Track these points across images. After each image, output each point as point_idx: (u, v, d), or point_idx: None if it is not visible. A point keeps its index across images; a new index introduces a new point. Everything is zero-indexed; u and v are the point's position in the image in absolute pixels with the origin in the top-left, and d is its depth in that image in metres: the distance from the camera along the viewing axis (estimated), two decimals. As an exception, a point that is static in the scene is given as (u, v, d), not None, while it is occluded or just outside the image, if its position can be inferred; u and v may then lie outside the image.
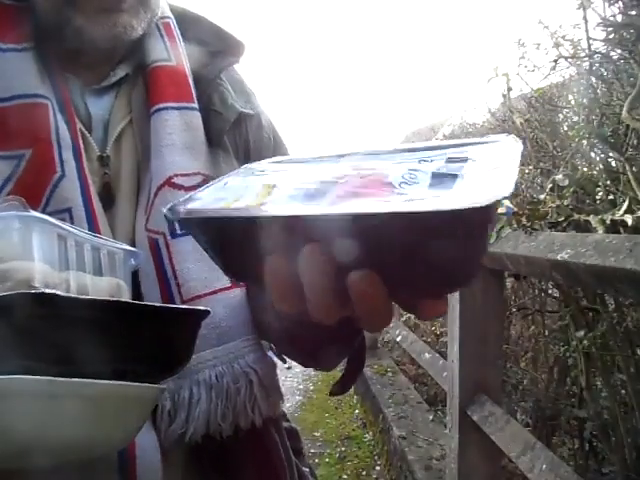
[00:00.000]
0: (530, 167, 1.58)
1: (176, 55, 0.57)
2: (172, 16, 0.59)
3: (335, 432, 3.13)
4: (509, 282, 1.99)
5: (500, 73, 1.73)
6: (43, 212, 0.43)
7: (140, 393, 0.34)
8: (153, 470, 0.46)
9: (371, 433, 3.08)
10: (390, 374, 3.44)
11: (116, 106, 0.55)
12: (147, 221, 0.51)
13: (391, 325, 3.22)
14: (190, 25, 0.61)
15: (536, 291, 1.96)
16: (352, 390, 3.90)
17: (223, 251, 0.29)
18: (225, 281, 0.51)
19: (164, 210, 0.29)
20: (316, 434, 3.05)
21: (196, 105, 0.56)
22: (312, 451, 2.76)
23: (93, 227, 0.48)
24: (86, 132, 0.52)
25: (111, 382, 0.32)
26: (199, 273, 0.50)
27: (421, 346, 2.54)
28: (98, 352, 0.32)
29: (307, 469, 0.62)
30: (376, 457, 2.79)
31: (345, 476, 2.62)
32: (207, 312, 0.38)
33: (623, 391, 1.42)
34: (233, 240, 0.28)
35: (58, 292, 0.32)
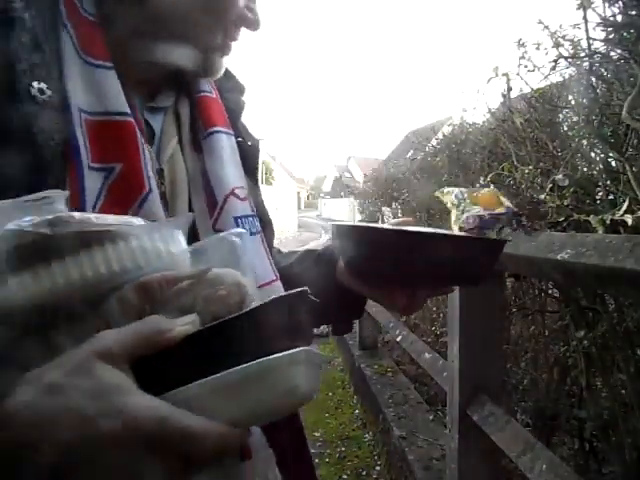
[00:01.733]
0: (530, 167, 1.58)
1: (213, 89, 0.67)
2: None
3: (335, 432, 3.13)
4: (509, 282, 1.99)
5: (500, 73, 1.73)
6: None
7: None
8: (262, 445, 0.55)
9: (371, 433, 3.09)
10: (390, 374, 3.44)
11: (166, 124, 0.62)
12: (215, 222, 0.61)
13: (391, 325, 3.22)
14: None
15: (536, 291, 1.96)
16: (352, 390, 3.90)
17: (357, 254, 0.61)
18: (272, 275, 0.64)
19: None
20: (316, 434, 3.05)
21: (233, 133, 0.67)
22: (312, 451, 2.75)
23: None
24: (148, 146, 0.57)
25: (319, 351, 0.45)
26: (258, 267, 0.62)
27: (421, 346, 2.54)
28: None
29: None
30: (376, 457, 2.79)
31: (345, 476, 2.62)
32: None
33: (623, 391, 1.42)
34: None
35: (306, 288, 0.45)
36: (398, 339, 2.91)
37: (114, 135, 0.52)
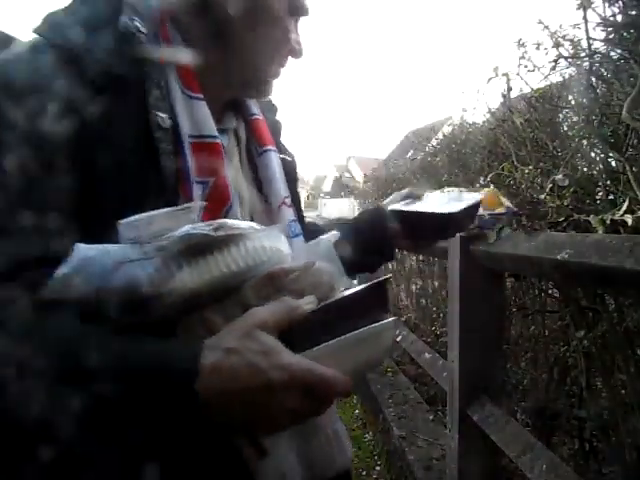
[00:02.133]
0: (530, 167, 1.58)
1: (260, 111, 0.78)
2: None
3: (335, 432, 3.12)
4: (509, 282, 1.99)
5: (500, 73, 1.73)
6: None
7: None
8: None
9: (371, 433, 3.09)
10: (390, 374, 3.44)
11: (230, 143, 0.73)
12: None
13: (391, 325, 3.21)
14: None
15: (536, 291, 1.96)
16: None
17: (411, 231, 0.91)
18: None
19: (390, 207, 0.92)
20: (316, 434, 3.04)
21: (276, 150, 0.78)
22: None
23: None
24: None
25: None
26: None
27: (421, 346, 2.54)
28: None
29: None
30: (376, 457, 2.79)
31: (345, 476, 2.61)
32: None
33: (623, 391, 1.42)
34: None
35: (390, 276, 0.67)
36: (398, 339, 2.91)
37: (208, 154, 0.64)
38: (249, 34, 0.66)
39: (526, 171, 1.52)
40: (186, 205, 0.56)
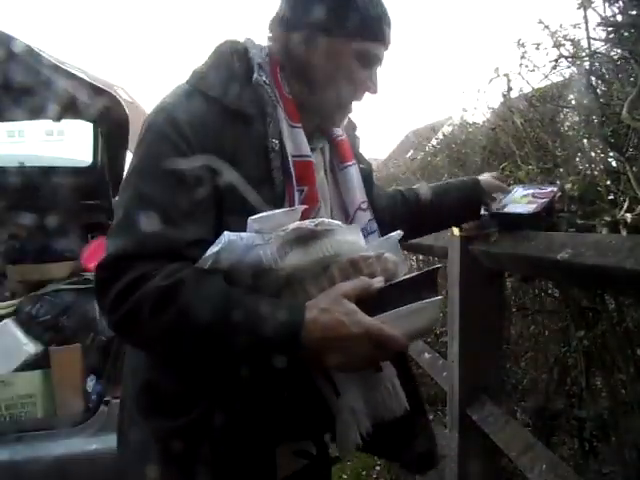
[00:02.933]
0: (530, 167, 1.58)
1: (343, 132, 1.00)
2: None
3: (335, 432, 3.12)
4: (509, 282, 1.99)
5: (501, 73, 1.73)
6: None
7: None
8: (387, 363, 0.87)
9: (371, 433, 3.07)
10: (390, 374, 3.43)
11: (317, 159, 0.93)
12: None
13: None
14: None
15: (536, 291, 1.96)
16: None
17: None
18: None
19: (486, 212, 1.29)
20: (316, 434, 3.04)
21: (356, 162, 1.01)
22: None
23: None
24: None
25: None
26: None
27: (421, 346, 2.54)
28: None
29: None
30: (376, 457, 2.78)
31: (345, 476, 2.62)
32: None
33: (623, 391, 1.41)
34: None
35: (440, 265, 1.09)
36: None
37: (305, 169, 0.87)
38: (329, 82, 0.88)
39: (527, 169, 1.52)
40: (294, 207, 0.80)
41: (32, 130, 3.07)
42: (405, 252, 3.99)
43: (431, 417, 2.63)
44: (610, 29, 1.21)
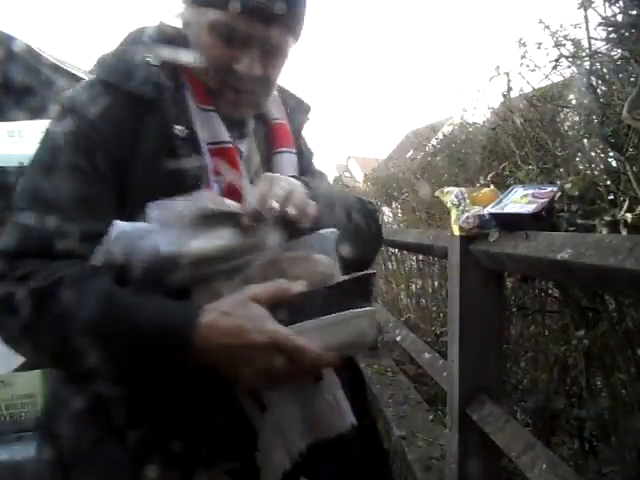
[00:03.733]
0: (530, 167, 1.58)
1: (282, 115, 0.90)
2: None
3: (335, 432, 3.11)
4: (509, 282, 1.99)
5: (502, 72, 1.73)
6: None
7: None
8: (330, 373, 0.75)
9: (371, 433, 3.07)
10: (390, 374, 3.44)
11: (251, 148, 0.85)
12: None
13: (391, 325, 3.21)
14: (280, 92, 0.92)
15: (536, 291, 1.96)
16: (352, 390, 3.89)
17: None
18: None
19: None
20: (316, 434, 3.04)
21: (295, 150, 0.89)
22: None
23: None
24: (242, 164, 0.81)
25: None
26: None
27: (421, 346, 2.54)
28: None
29: None
30: (376, 457, 2.78)
31: (345, 476, 2.61)
32: None
33: (623, 391, 1.41)
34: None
35: (374, 271, 0.78)
36: (398, 339, 2.91)
37: (224, 157, 0.77)
38: (204, 60, 0.78)
39: (527, 169, 1.52)
40: (196, 192, 0.70)
41: (32, 130, 3.08)
42: (405, 252, 4.00)
43: (431, 417, 2.63)
44: (610, 29, 1.21)
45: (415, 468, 2.16)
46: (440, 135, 4.23)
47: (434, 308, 3.29)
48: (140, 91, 0.76)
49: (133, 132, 0.74)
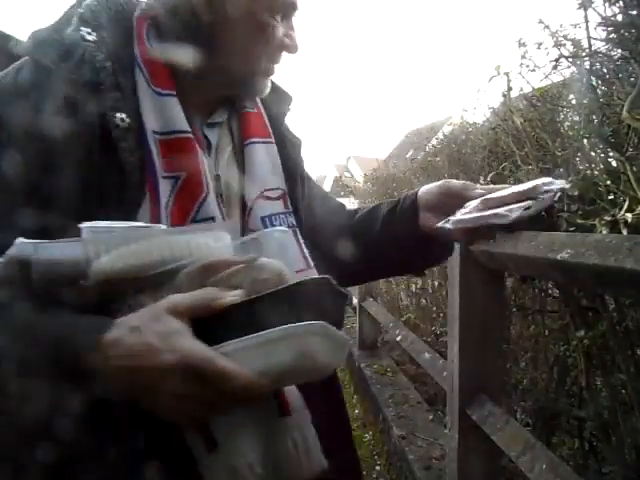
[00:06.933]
0: (530, 167, 1.58)
1: (256, 105, 0.80)
2: None
3: (335, 432, 3.12)
4: (509, 282, 1.99)
5: (502, 72, 1.73)
6: (194, 221, 0.65)
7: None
8: (299, 405, 0.64)
9: (371, 433, 3.09)
10: (390, 374, 3.44)
11: (222, 137, 0.75)
12: (246, 222, 0.72)
13: (391, 325, 3.21)
14: None
15: (536, 291, 1.96)
16: (352, 390, 3.90)
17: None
18: (302, 265, 0.73)
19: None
20: (316, 434, 3.04)
21: (273, 140, 0.79)
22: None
23: None
24: (207, 157, 0.71)
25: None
26: (289, 257, 0.70)
27: (421, 346, 2.54)
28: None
29: None
30: (376, 457, 2.79)
31: (345, 476, 2.61)
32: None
33: (623, 391, 1.41)
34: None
35: (328, 277, 0.57)
36: (398, 339, 2.91)
37: (179, 149, 0.66)
38: (228, 37, 0.68)
39: (527, 169, 1.52)
40: (138, 224, 0.60)
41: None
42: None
43: (431, 417, 2.63)
44: (610, 29, 1.21)
45: (415, 468, 2.16)
46: (440, 135, 4.23)
47: (434, 308, 3.29)
48: (78, 74, 0.63)
49: (65, 123, 0.61)
